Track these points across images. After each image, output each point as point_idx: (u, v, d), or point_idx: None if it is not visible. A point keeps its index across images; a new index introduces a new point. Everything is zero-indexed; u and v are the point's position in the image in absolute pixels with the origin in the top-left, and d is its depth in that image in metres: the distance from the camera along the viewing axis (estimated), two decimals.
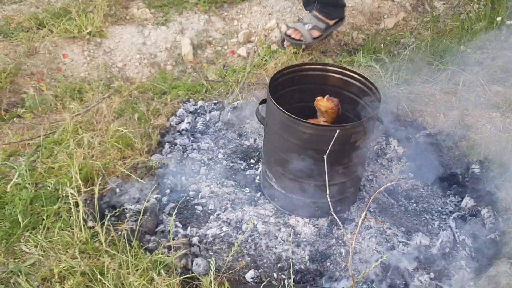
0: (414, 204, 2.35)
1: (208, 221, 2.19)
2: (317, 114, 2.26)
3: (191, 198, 2.30)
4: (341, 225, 1.44)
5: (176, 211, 2.20)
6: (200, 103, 2.87)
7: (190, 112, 2.78)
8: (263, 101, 2.22)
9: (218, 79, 3.12)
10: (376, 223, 2.22)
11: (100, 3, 3.52)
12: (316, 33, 3.16)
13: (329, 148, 1.73)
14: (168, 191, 2.30)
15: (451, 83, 3.15)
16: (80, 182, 2.11)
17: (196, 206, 2.26)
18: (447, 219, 2.27)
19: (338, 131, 1.82)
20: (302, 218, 2.23)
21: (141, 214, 2.02)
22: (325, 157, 1.66)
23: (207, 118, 2.76)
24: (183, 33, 3.58)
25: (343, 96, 2.31)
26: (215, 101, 2.91)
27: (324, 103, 2.15)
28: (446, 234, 2.17)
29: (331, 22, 3.21)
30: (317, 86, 2.33)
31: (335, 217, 1.62)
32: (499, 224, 2.17)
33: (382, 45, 3.49)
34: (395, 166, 2.56)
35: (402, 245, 2.15)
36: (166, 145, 2.53)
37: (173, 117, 2.74)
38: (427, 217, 2.30)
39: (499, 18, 3.50)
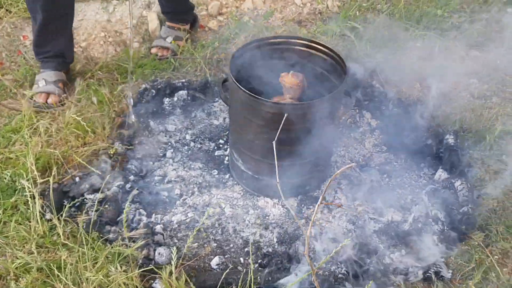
0: (387, 179, 2.29)
1: (174, 207, 2.12)
2: (283, 90, 2.16)
3: (157, 184, 2.22)
4: (293, 213, 1.36)
5: (139, 198, 2.14)
6: (165, 83, 2.75)
7: (156, 93, 2.66)
8: (226, 80, 2.11)
9: (185, 56, 2.99)
10: (346, 199, 2.16)
11: None
12: (181, 42, 2.99)
13: (279, 130, 1.64)
14: (132, 177, 2.22)
15: (427, 50, 3.04)
16: (36, 173, 2.01)
17: (161, 192, 2.18)
18: (420, 193, 2.21)
19: (286, 114, 1.73)
20: (271, 199, 2.16)
21: (101, 204, 1.94)
22: (273, 143, 1.58)
23: (175, 99, 2.65)
24: (150, 7, 3.43)
25: (310, 70, 2.20)
26: (183, 80, 2.79)
27: (288, 79, 2.05)
28: (418, 208, 2.12)
29: (187, 26, 3.06)
30: (283, 61, 2.23)
31: (284, 201, 1.55)
32: (472, 196, 2.12)
33: (357, 12, 3.36)
34: (368, 140, 2.48)
35: (373, 222, 2.09)
36: (129, 129, 2.42)
37: (137, 98, 2.62)
38: (400, 191, 2.24)
39: None
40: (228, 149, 2.35)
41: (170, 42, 2.97)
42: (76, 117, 2.21)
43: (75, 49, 3.08)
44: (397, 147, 2.43)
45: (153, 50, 2.99)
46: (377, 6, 3.48)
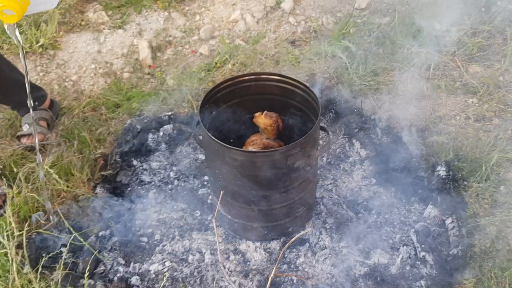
0: (375, 216, 2.19)
1: (153, 255, 2.08)
2: (259, 130, 2.09)
3: (137, 229, 2.18)
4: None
5: (118, 245, 2.10)
6: (151, 116, 2.71)
7: (141, 129, 2.62)
8: (199, 123, 2.05)
9: (173, 86, 2.95)
10: (331, 241, 2.07)
11: (52, 13, 3.35)
12: (43, 123, 2.59)
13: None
14: (112, 223, 2.19)
15: (424, 68, 2.91)
16: (14, 225, 2.00)
17: (141, 238, 2.15)
18: (409, 231, 2.10)
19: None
20: (253, 242, 2.09)
21: (78, 255, 1.91)
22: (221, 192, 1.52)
23: (160, 134, 2.61)
24: (141, 35, 3.40)
25: (287, 105, 2.12)
26: (169, 113, 2.75)
27: (262, 120, 1.98)
28: (406, 250, 2.01)
29: (45, 105, 2.66)
30: (259, 97, 2.15)
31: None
32: (463, 237, 2.00)
33: (351, 30, 3.24)
34: (357, 172, 2.38)
35: (359, 265, 2.00)
36: (110, 171, 2.39)
37: (121, 136, 2.59)
38: (388, 229, 2.13)
39: None
40: (210, 195, 2.29)
41: (29, 128, 2.52)
42: (55, 162, 2.19)
43: (65, 84, 3.09)
44: (386, 179, 2.32)
45: (24, 141, 2.54)
46: (373, 21, 3.36)
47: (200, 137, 2.02)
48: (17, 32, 1.70)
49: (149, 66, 3.23)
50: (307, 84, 2.00)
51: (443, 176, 2.21)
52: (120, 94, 2.95)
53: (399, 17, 3.18)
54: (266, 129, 1.99)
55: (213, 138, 1.78)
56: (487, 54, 2.97)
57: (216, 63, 3.02)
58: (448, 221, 2.06)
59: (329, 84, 2.83)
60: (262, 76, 2.09)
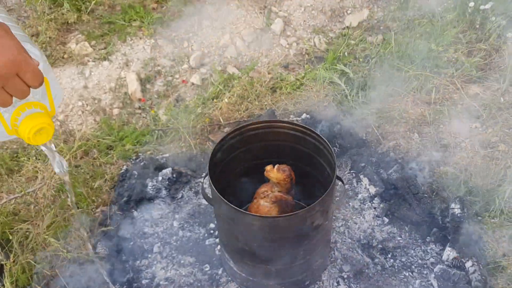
0: (392, 260, 2.12)
1: None
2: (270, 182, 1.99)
3: None
4: None
5: None
6: (147, 160, 2.58)
7: (138, 175, 2.50)
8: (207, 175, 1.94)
9: (167, 124, 2.82)
10: None
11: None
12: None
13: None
14: (117, 285, 2.07)
15: (423, 92, 2.85)
16: None
17: None
18: (428, 275, 2.04)
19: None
20: None
21: None
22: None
23: (159, 178, 2.49)
24: (128, 66, 3.26)
25: (299, 151, 2.04)
26: (167, 155, 2.62)
27: (274, 174, 1.89)
28: None
29: None
30: (269, 143, 2.06)
31: None
32: (486, 280, 1.95)
33: (346, 53, 3.16)
34: (368, 211, 2.31)
35: None
36: (110, 227, 2.27)
37: (118, 184, 2.46)
38: (407, 274, 2.07)
39: (471, 4, 3.16)
40: (219, 245, 2.18)
41: None
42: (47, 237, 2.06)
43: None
44: (399, 217, 2.26)
45: None
46: (368, 37, 3.29)
47: (209, 193, 1.91)
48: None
49: (139, 100, 3.09)
50: (319, 133, 1.91)
51: (458, 214, 2.15)
52: (112, 134, 2.81)
53: (391, 36, 3.12)
54: (279, 183, 1.90)
55: (227, 202, 1.68)
56: (486, 74, 2.93)
57: (213, 99, 2.90)
58: (468, 264, 2.00)
59: (331, 115, 2.75)
60: (273, 124, 1.99)
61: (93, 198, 2.36)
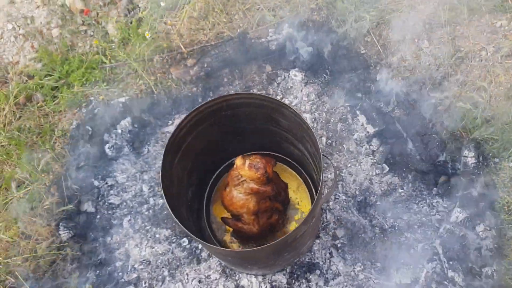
0: (392, 219, 1.86)
1: None
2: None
3: (119, 274, 1.88)
4: None
5: None
6: (101, 107, 2.15)
7: (92, 131, 2.10)
8: None
9: (116, 60, 2.28)
10: (344, 264, 1.80)
11: None
12: None
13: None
14: (90, 273, 1.88)
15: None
16: None
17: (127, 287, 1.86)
18: (433, 238, 1.80)
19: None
20: (255, 277, 1.82)
21: None
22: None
23: (118, 132, 2.11)
24: None
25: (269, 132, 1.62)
26: (122, 99, 2.18)
27: (246, 172, 1.50)
28: (431, 266, 1.75)
29: None
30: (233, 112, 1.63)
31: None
32: (500, 249, 1.71)
33: None
34: (365, 156, 1.97)
35: None
36: (70, 206, 1.98)
37: (70, 147, 2.09)
38: (409, 236, 1.84)
39: None
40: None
41: None
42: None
43: None
44: (401, 165, 1.93)
45: None
46: None
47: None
48: None
49: (82, 12, 2.49)
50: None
51: (472, 164, 1.82)
52: (55, 69, 2.31)
53: None
54: (253, 180, 1.52)
55: (199, 240, 1.35)
56: None
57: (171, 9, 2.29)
58: (480, 228, 1.75)
59: (318, 20, 2.18)
60: (234, 96, 1.53)
61: (43, 175, 2.01)
